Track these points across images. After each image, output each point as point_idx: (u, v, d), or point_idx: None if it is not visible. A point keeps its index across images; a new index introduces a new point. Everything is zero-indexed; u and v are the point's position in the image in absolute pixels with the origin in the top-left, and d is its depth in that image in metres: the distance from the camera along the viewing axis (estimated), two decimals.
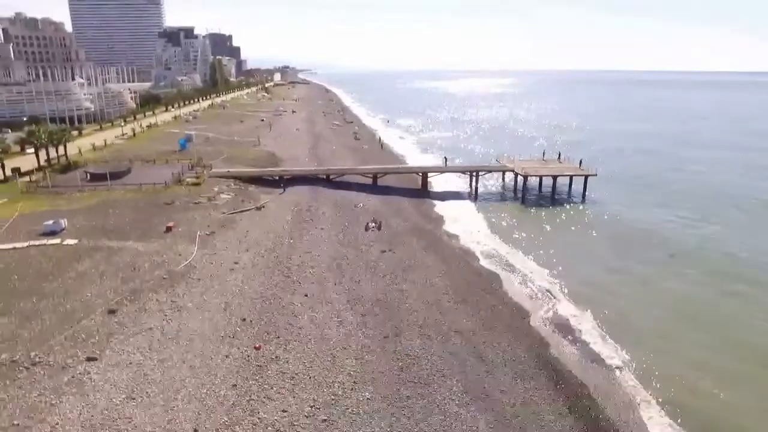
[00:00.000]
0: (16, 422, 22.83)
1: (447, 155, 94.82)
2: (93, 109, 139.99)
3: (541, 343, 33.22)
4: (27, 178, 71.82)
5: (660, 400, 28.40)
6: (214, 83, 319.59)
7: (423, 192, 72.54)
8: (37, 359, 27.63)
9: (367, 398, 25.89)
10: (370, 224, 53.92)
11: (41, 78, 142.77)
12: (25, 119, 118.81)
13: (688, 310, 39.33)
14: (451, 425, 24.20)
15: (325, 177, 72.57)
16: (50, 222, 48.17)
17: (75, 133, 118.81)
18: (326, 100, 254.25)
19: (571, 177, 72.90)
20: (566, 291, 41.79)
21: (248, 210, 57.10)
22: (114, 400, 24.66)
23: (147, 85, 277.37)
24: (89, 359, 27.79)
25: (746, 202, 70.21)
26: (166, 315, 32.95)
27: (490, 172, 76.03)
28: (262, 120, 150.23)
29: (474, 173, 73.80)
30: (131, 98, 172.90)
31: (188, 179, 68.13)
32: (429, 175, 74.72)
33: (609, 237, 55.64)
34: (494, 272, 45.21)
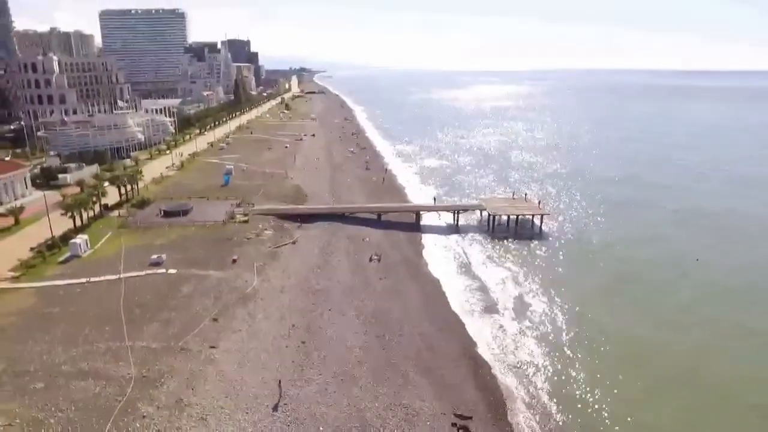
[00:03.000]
0: (186, 377, 45.16)
1: (442, 186, 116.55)
2: (143, 140, 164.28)
3: (471, 341, 55.02)
4: (116, 213, 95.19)
5: (517, 371, 50.01)
6: (238, 100, 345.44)
7: (416, 226, 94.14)
8: (182, 347, 49.96)
9: (365, 370, 47.83)
10: (373, 257, 75.87)
11: (96, 111, 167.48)
12: (93, 151, 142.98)
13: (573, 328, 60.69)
14: (406, 384, 46.09)
15: (341, 214, 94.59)
16: (155, 256, 70.78)
17: (130, 162, 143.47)
18: (342, 119, 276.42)
19: (532, 216, 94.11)
20: (495, 307, 63.37)
21: (286, 244, 79.43)
22: (232, 367, 46.91)
23: (176, 101, 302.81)
24: (211, 347, 50.04)
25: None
26: (246, 322, 55.24)
27: (467, 210, 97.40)
28: (286, 147, 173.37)
29: (455, 211, 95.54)
30: (170, 124, 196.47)
31: (238, 216, 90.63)
32: (421, 212, 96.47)
33: (544, 268, 76.77)
34: (450, 294, 66.91)
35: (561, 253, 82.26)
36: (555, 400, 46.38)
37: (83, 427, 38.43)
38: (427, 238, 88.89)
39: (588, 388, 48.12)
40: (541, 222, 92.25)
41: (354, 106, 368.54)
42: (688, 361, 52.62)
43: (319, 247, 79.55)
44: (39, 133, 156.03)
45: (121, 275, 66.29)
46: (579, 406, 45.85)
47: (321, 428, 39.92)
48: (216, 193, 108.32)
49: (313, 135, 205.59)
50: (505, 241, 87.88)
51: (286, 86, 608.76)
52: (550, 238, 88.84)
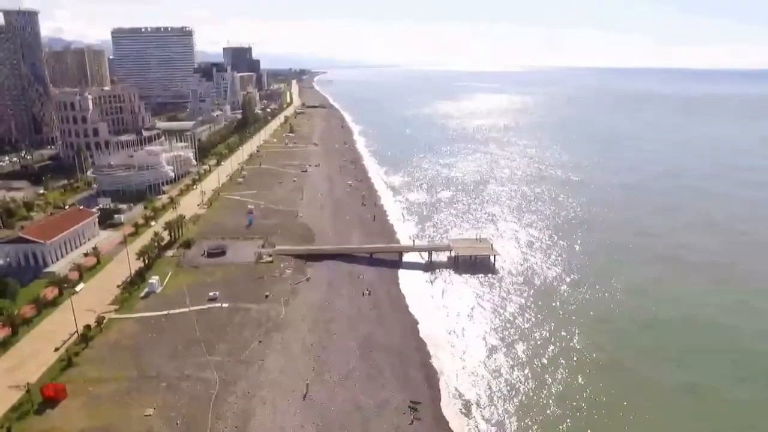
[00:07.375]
0: (249, 380, 74.51)
1: (421, 224, 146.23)
2: (173, 176, 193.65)
3: (428, 355, 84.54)
4: (169, 253, 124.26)
5: (452, 364, 79.47)
6: (246, 120, 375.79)
7: (399, 263, 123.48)
8: (243, 360, 79.34)
9: (358, 374, 77.15)
10: (365, 292, 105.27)
11: (126, 140, 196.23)
12: (137, 190, 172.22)
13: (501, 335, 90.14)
14: (383, 383, 75.47)
15: (341, 253, 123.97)
16: (212, 293, 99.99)
17: (165, 197, 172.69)
18: (341, 143, 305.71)
19: (488, 255, 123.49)
20: (449, 330, 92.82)
21: (302, 281, 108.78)
22: (275, 373, 76.25)
23: (190, 123, 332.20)
24: (261, 360, 79.32)
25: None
26: (281, 343, 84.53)
27: (437, 251, 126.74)
28: (294, 181, 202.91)
29: (429, 251, 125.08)
30: (192, 156, 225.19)
31: (265, 257, 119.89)
32: (403, 252, 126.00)
33: (491, 299, 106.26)
34: (419, 319, 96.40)
35: (506, 286, 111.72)
36: (476, 395, 75.89)
37: (197, 408, 67.92)
38: (407, 274, 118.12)
39: (504, 392, 77.72)
40: (495, 260, 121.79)
41: (353, 126, 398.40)
42: (595, 370, 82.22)
43: (326, 283, 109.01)
44: (89, 173, 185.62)
45: (190, 308, 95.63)
46: (492, 400, 75.37)
47: (332, 408, 69.49)
48: (243, 232, 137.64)
49: (317, 165, 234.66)
50: (465, 276, 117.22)
51: (288, 99, 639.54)
52: (500, 274, 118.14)
